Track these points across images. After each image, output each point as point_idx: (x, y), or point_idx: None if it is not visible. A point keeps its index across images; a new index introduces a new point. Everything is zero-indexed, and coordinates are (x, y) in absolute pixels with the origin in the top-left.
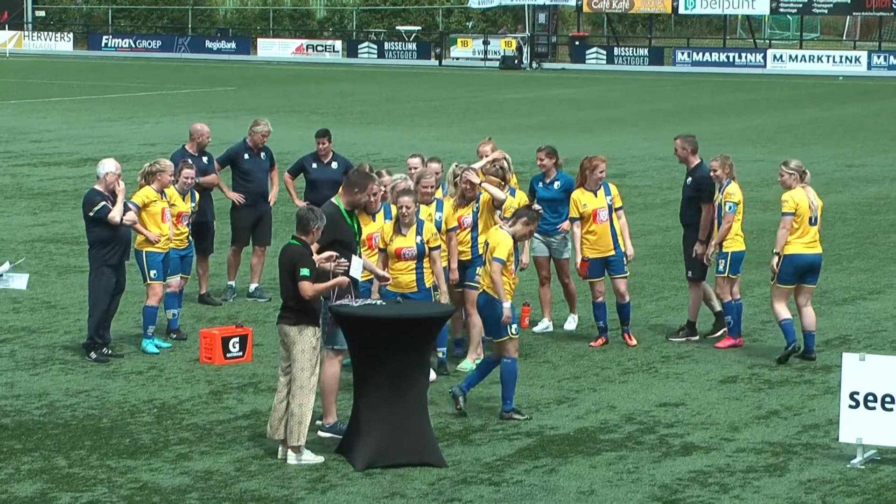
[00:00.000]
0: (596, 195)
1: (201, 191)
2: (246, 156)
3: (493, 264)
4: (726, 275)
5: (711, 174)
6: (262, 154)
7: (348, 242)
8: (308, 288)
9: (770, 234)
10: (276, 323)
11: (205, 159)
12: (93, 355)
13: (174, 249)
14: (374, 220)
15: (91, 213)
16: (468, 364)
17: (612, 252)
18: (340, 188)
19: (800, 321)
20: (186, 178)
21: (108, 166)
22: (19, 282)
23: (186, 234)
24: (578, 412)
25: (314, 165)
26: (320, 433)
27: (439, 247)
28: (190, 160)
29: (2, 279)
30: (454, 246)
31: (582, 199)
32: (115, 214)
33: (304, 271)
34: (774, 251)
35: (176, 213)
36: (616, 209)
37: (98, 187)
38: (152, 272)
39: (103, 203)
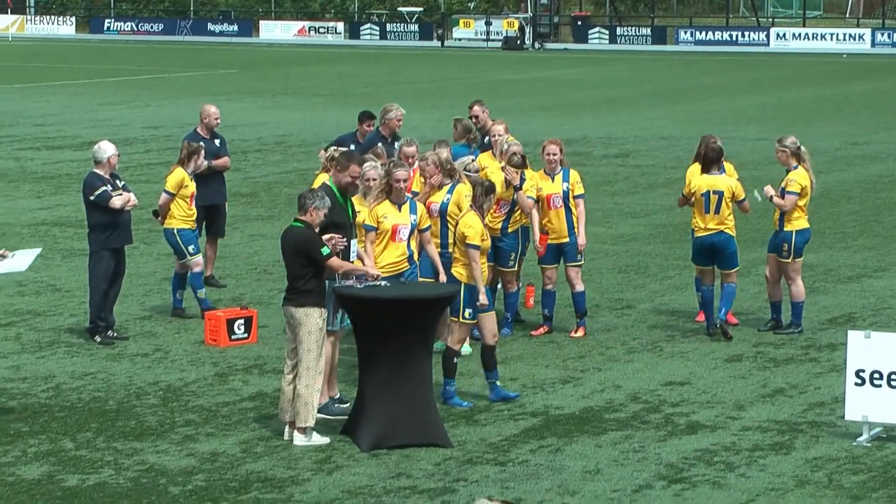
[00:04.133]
0: (553, 180)
1: (214, 173)
2: (380, 145)
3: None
4: (791, 259)
5: (775, 155)
6: (396, 143)
7: (341, 223)
8: (337, 263)
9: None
10: (281, 305)
11: (217, 142)
12: (97, 339)
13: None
14: (400, 211)
15: (92, 198)
16: (467, 347)
17: (566, 239)
18: (333, 168)
19: (790, 294)
20: (200, 166)
21: (109, 150)
22: (22, 260)
23: (194, 216)
24: (584, 392)
25: (352, 147)
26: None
27: (429, 227)
28: (202, 143)
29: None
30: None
31: (538, 183)
32: (117, 200)
33: (325, 250)
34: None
35: (189, 193)
36: (575, 196)
37: (98, 171)
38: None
39: (104, 188)
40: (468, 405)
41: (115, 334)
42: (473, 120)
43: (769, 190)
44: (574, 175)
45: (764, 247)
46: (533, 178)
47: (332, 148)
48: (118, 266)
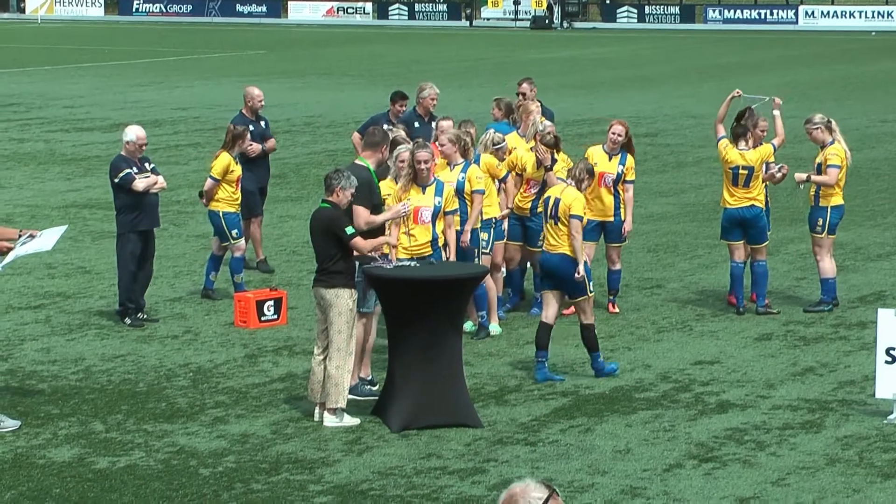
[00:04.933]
0: (610, 159)
1: (262, 155)
2: (416, 124)
3: (572, 222)
4: (825, 234)
5: (808, 135)
6: (432, 122)
7: (379, 205)
8: (361, 243)
9: (804, 191)
10: (311, 286)
11: (262, 124)
12: (127, 321)
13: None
14: (424, 193)
15: (116, 180)
16: (496, 327)
17: (611, 218)
18: (365, 149)
19: (820, 271)
20: (253, 150)
21: (132, 133)
22: (48, 239)
23: (239, 199)
24: None
25: (386, 127)
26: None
27: (456, 210)
28: (252, 126)
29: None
30: (475, 206)
31: (594, 157)
32: (140, 183)
33: (350, 230)
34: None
35: (235, 178)
36: (626, 181)
37: (124, 153)
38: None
39: (128, 170)
40: (614, 368)
41: (146, 316)
42: (520, 97)
43: (800, 176)
44: (630, 160)
45: (794, 225)
46: (564, 161)
47: (231, 127)
48: (146, 248)
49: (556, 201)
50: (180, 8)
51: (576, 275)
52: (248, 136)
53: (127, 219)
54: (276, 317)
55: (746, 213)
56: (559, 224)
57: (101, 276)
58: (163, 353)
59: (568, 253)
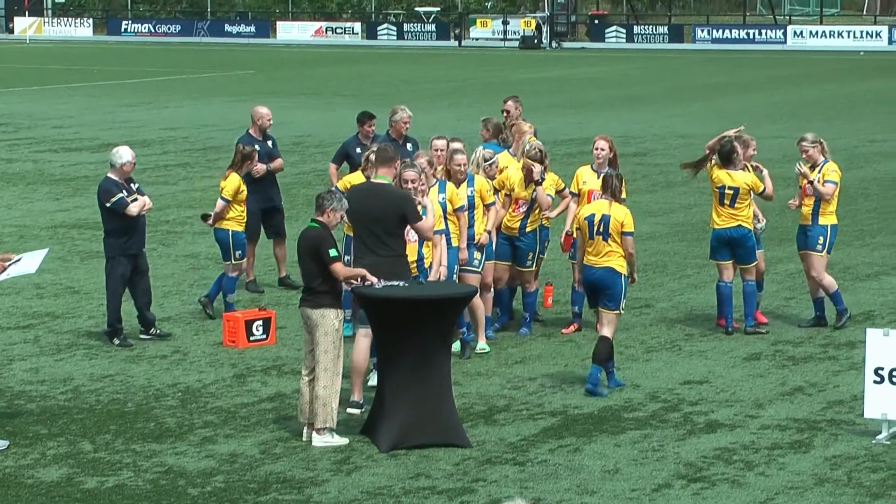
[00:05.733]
0: (598, 177)
1: (268, 175)
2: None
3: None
4: (825, 253)
5: (804, 154)
6: (409, 144)
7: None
8: (340, 269)
9: (795, 211)
10: (298, 306)
11: (269, 143)
12: (116, 341)
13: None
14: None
15: (108, 205)
16: (484, 345)
17: None
18: (380, 166)
19: (824, 287)
20: (258, 172)
21: (125, 156)
22: (31, 262)
23: (245, 219)
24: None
25: (359, 150)
26: (350, 410)
27: (442, 231)
28: (256, 146)
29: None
30: (464, 225)
31: (583, 177)
32: (134, 207)
33: (333, 252)
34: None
35: (243, 198)
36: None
37: (112, 175)
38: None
39: (120, 195)
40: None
41: (159, 331)
42: (504, 114)
43: (805, 171)
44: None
45: (782, 245)
46: (552, 179)
47: (241, 147)
48: (137, 268)
49: (605, 218)
50: (169, 28)
51: (631, 282)
52: (256, 156)
53: (117, 242)
54: (265, 336)
55: (734, 234)
56: (608, 240)
57: (89, 296)
58: (151, 373)
59: (614, 267)
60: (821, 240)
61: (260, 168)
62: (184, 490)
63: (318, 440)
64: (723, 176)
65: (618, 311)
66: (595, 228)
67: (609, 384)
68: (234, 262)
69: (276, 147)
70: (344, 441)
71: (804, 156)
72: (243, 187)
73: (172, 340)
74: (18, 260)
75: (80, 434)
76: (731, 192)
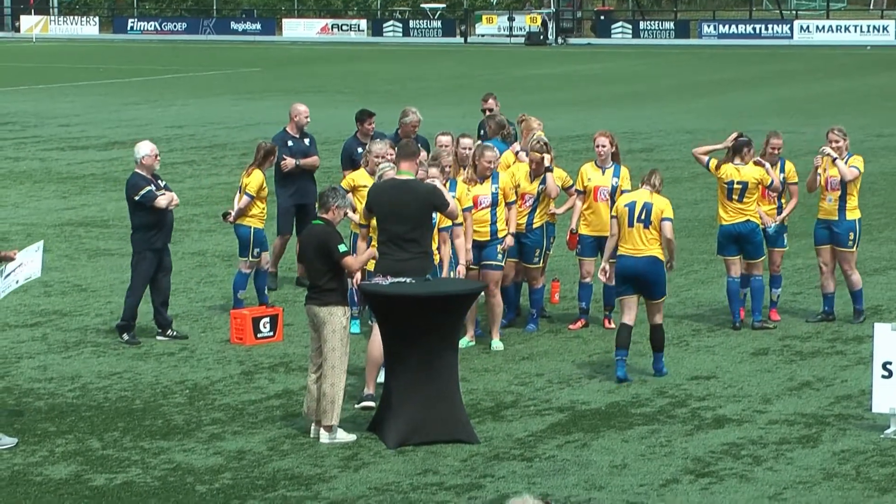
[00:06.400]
0: (604, 173)
1: (303, 172)
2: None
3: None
4: (855, 248)
5: (833, 145)
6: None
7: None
8: (351, 261)
9: (802, 206)
10: (304, 304)
11: (306, 141)
12: (125, 336)
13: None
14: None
15: (136, 198)
16: (499, 343)
17: (607, 234)
18: (402, 161)
19: (851, 283)
20: (287, 167)
21: (143, 149)
22: (33, 264)
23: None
24: (610, 386)
25: (360, 150)
26: (365, 403)
27: (450, 227)
28: (291, 142)
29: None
30: (470, 226)
31: (587, 174)
32: (162, 200)
33: (342, 247)
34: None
35: (265, 194)
36: (622, 192)
37: (139, 171)
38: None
39: (149, 188)
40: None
41: (175, 333)
42: (487, 112)
43: (829, 151)
44: (624, 172)
45: (790, 240)
46: (560, 175)
47: (263, 144)
48: (161, 265)
49: (647, 205)
50: (175, 26)
51: (669, 268)
52: (277, 151)
53: (145, 237)
54: (272, 334)
55: (742, 229)
56: (650, 228)
57: (97, 293)
58: (159, 371)
59: (657, 255)
60: (851, 235)
61: (289, 162)
62: (192, 487)
63: (326, 437)
64: (731, 171)
65: (664, 298)
66: (636, 216)
67: (660, 369)
68: (250, 259)
69: (313, 145)
70: (351, 438)
71: (832, 145)
72: (266, 184)
73: (180, 339)
74: (19, 266)
75: (88, 431)
76: (740, 186)
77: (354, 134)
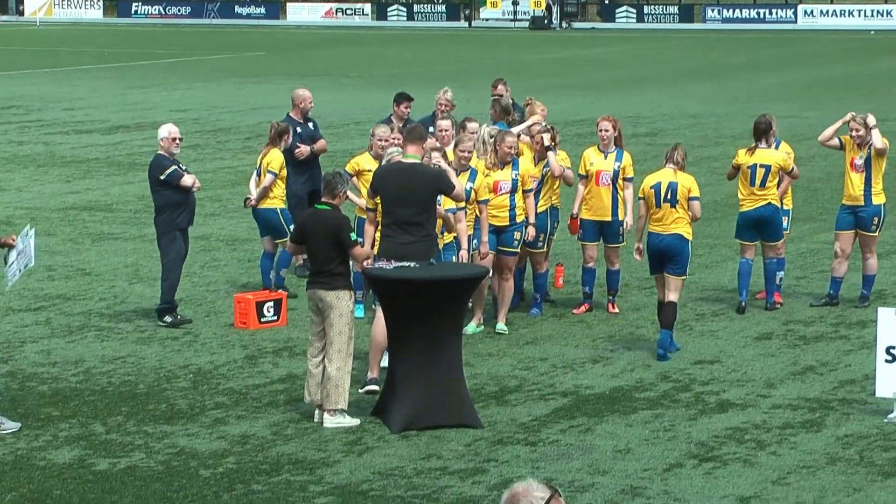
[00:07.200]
0: (605, 157)
1: (313, 157)
2: (431, 129)
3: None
4: (878, 232)
5: (854, 133)
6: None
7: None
8: (359, 251)
9: (806, 190)
10: (306, 288)
11: (310, 125)
12: (167, 319)
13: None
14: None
15: (162, 177)
16: (503, 326)
17: (609, 218)
18: (409, 144)
19: (867, 267)
20: (301, 154)
21: (163, 131)
22: (27, 252)
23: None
24: (614, 371)
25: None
26: (370, 387)
27: (464, 209)
28: (298, 128)
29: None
30: (485, 218)
31: (590, 158)
32: (188, 179)
33: (354, 236)
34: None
35: (285, 174)
36: (624, 178)
37: (161, 151)
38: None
39: (174, 167)
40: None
41: (180, 317)
42: (496, 98)
43: (871, 119)
44: (627, 157)
45: (794, 224)
46: (563, 156)
47: (275, 123)
48: (185, 246)
49: (672, 185)
50: (179, 10)
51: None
52: (291, 130)
53: (170, 217)
54: (275, 318)
55: (763, 212)
56: (676, 207)
57: (100, 277)
58: (163, 355)
59: (682, 233)
60: (875, 220)
61: (304, 150)
62: (195, 471)
63: (330, 421)
64: (753, 155)
65: (684, 276)
66: (662, 196)
67: (669, 349)
68: (290, 238)
69: (317, 129)
70: (355, 422)
71: (853, 133)
72: (283, 163)
73: (184, 323)
74: (19, 254)
75: (91, 416)
76: (763, 170)
77: (389, 116)
